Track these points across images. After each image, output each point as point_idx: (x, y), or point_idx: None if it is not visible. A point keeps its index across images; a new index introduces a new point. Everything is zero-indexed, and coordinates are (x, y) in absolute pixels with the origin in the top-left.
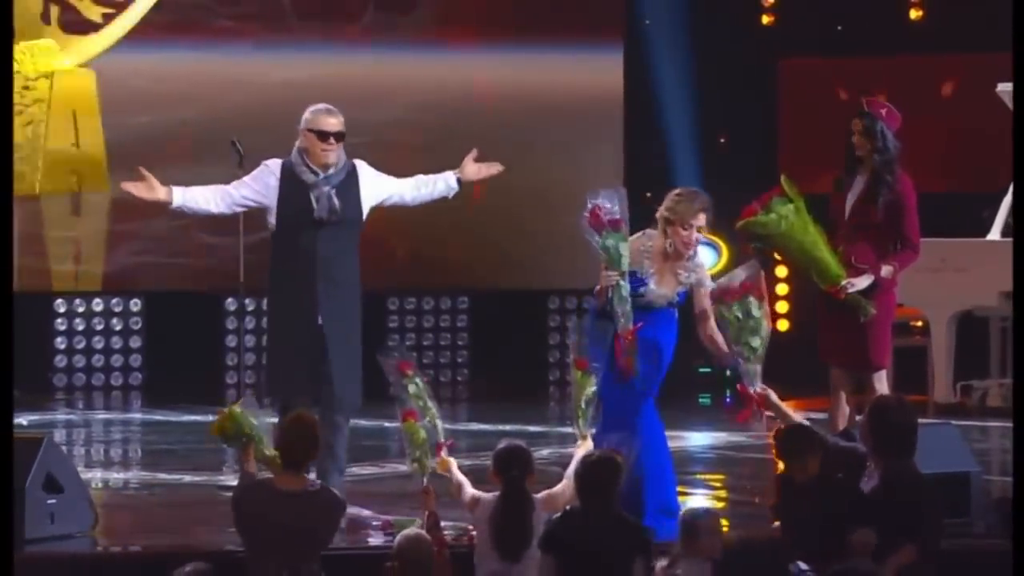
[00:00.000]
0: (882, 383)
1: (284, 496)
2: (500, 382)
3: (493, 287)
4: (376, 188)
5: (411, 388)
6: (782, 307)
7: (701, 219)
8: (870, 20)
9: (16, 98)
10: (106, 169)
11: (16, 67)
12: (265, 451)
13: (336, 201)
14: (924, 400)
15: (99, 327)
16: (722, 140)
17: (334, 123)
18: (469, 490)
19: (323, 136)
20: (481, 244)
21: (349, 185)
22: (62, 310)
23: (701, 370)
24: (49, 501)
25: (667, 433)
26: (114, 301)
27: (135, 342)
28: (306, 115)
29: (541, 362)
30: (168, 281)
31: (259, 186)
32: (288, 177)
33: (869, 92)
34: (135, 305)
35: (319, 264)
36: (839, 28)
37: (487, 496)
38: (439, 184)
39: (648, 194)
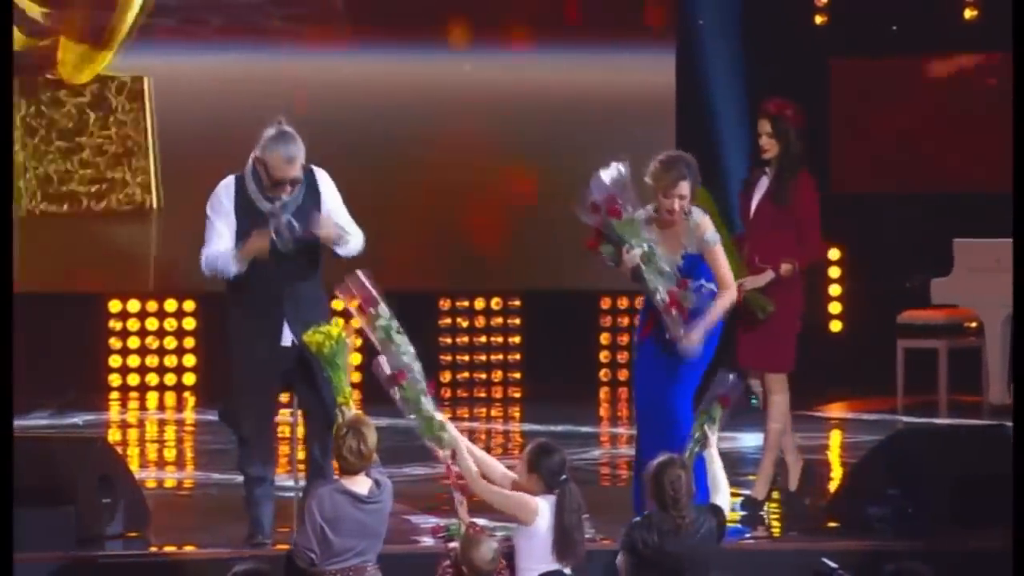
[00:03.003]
0: (782, 384)
1: (356, 498)
2: (552, 383)
3: (545, 287)
4: (335, 206)
5: (380, 322)
6: (835, 308)
7: (682, 187)
8: (924, 19)
9: (70, 104)
10: (159, 177)
11: (60, 74)
12: (344, 386)
13: (297, 227)
14: (978, 401)
15: (153, 328)
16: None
17: (292, 170)
18: (518, 491)
19: (279, 183)
20: (533, 245)
21: (309, 201)
22: (116, 311)
23: None
24: (103, 501)
25: (719, 434)
26: (167, 302)
27: (189, 343)
28: (263, 141)
29: (593, 362)
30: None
31: (226, 227)
32: (242, 197)
33: (912, 92)
34: (188, 306)
35: (283, 287)
36: (893, 28)
37: (543, 501)
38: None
39: None
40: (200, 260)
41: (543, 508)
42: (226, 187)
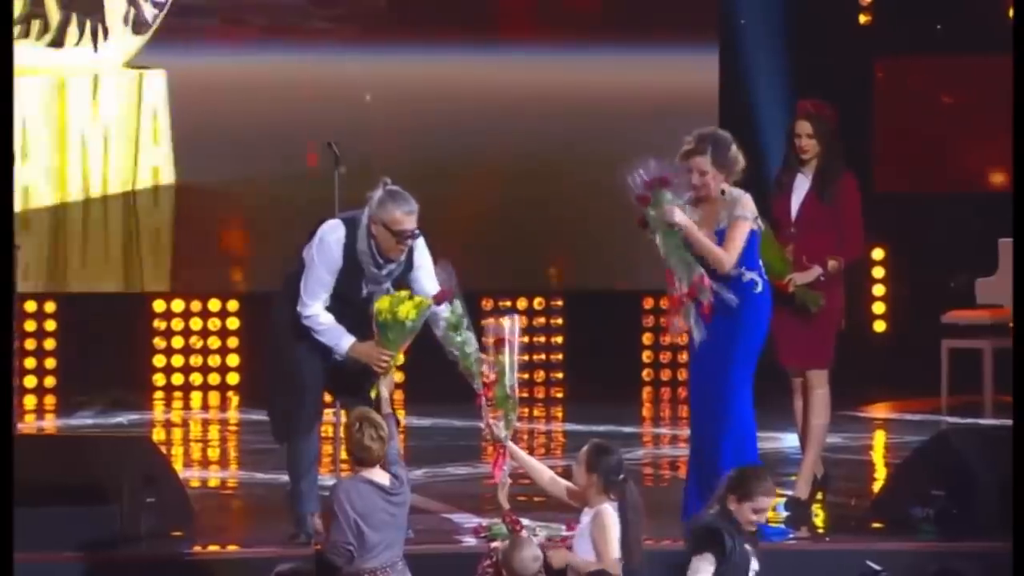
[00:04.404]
0: (822, 379)
1: (382, 489)
2: (594, 383)
3: (588, 287)
4: (427, 264)
5: (449, 317)
6: (879, 308)
7: (698, 163)
8: (968, 19)
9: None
10: (173, 170)
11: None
12: (395, 364)
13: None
14: None
15: (197, 327)
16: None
17: (413, 222)
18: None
19: (401, 236)
20: (576, 245)
21: (406, 265)
22: (160, 310)
23: None
24: (148, 500)
25: (762, 434)
26: (211, 301)
27: (232, 342)
28: (375, 202)
29: (635, 362)
30: (265, 282)
31: (330, 278)
32: (349, 252)
33: (956, 91)
34: (232, 305)
35: (356, 324)
36: (938, 27)
37: (609, 506)
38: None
39: None
40: (300, 299)
41: (612, 514)
42: (337, 238)
